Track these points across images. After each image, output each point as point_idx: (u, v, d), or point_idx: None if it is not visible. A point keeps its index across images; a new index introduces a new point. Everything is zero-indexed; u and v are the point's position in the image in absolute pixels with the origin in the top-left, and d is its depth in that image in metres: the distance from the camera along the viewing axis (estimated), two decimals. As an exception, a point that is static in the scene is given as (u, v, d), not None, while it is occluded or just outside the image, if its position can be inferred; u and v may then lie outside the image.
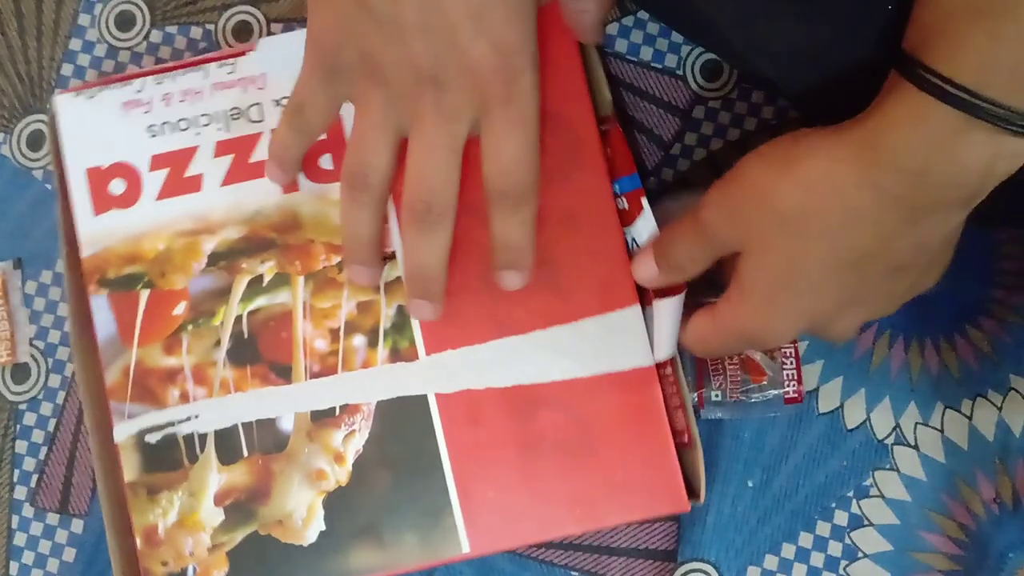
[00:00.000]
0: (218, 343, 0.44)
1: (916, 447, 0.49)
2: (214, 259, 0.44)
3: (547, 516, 0.42)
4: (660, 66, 0.52)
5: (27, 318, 0.54)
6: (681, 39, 0.52)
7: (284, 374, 0.43)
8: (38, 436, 0.54)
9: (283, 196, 0.44)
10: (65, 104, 0.45)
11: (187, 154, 0.44)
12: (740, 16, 0.38)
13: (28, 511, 0.53)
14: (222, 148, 0.44)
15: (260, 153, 0.44)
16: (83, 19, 0.56)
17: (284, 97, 0.44)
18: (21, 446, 0.54)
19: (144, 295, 0.44)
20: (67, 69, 0.56)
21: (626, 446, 0.42)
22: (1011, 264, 0.50)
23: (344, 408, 0.43)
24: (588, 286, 0.43)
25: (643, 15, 0.52)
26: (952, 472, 0.49)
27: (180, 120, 0.44)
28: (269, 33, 0.54)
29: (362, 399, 0.43)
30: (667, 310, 0.42)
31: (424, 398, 0.43)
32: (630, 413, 0.43)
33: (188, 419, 0.43)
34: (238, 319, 0.44)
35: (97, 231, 0.44)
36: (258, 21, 0.55)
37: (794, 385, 0.47)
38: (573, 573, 0.50)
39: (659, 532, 0.50)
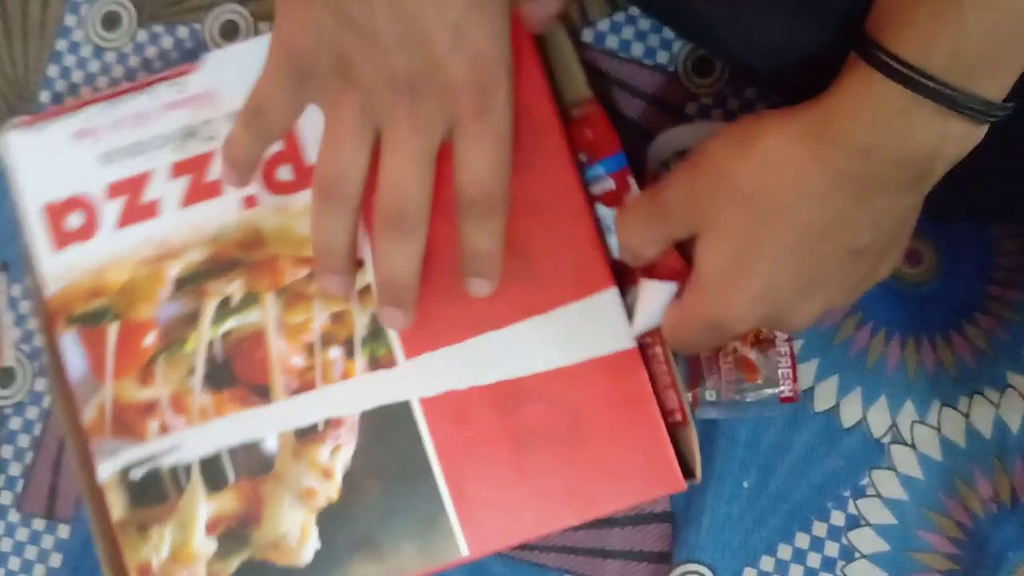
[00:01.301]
0: (192, 370, 0.43)
1: (913, 446, 0.49)
2: (180, 284, 0.43)
3: (544, 509, 0.42)
4: (652, 63, 0.52)
5: (12, 321, 0.54)
6: (673, 35, 0.52)
7: (263, 394, 0.43)
8: (24, 441, 0.53)
9: (244, 213, 0.43)
10: (16, 140, 0.44)
11: (142, 179, 0.43)
12: (730, 11, 0.38)
13: (14, 516, 0.53)
14: (177, 169, 0.44)
15: (216, 171, 0.43)
16: (69, 19, 0.55)
17: (237, 111, 0.43)
18: (7, 451, 0.53)
19: (113, 328, 0.43)
20: (53, 70, 0.55)
21: (616, 430, 0.42)
22: (1008, 260, 0.50)
23: (327, 423, 0.42)
24: (562, 273, 0.43)
25: (634, 11, 0.52)
26: (949, 471, 0.49)
27: (132, 145, 0.44)
28: (256, 32, 0.54)
29: (345, 412, 0.42)
30: (650, 292, 0.41)
31: (407, 404, 0.42)
32: (617, 397, 0.42)
33: (170, 450, 0.42)
34: (210, 343, 0.43)
35: (59, 268, 0.43)
36: (245, 20, 0.54)
37: (789, 384, 0.47)
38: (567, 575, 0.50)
39: (654, 534, 0.50)
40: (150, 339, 0.43)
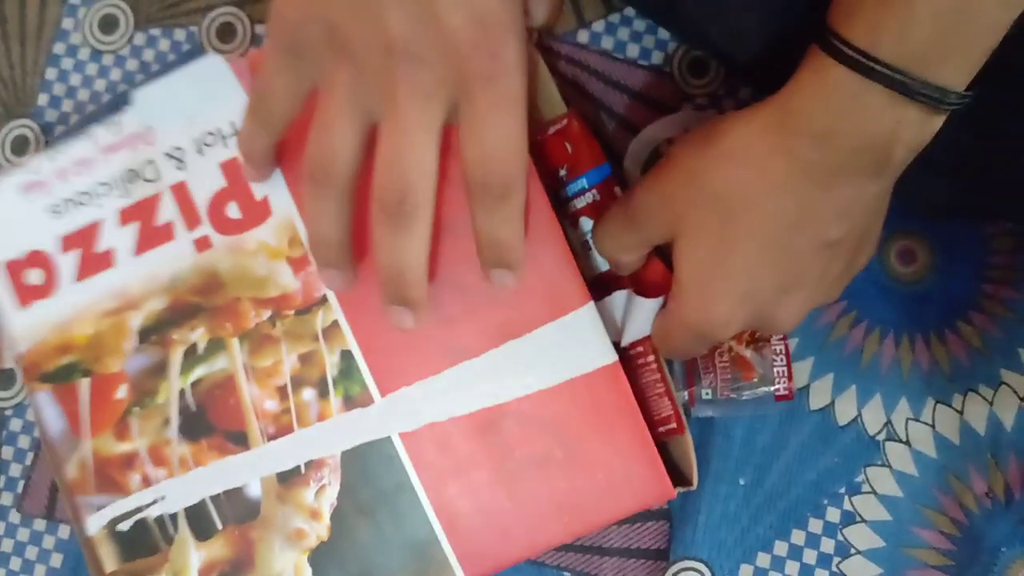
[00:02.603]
0: (167, 421, 0.42)
1: (908, 443, 0.49)
2: (144, 335, 0.42)
3: (536, 530, 0.41)
4: (647, 63, 0.52)
5: (12, 323, 0.54)
6: (668, 36, 0.52)
7: (240, 441, 0.42)
8: (24, 442, 0.53)
9: (198, 256, 0.42)
10: None
11: (93, 229, 0.43)
12: (717, 7, 0.38)
13: (15, 517, 0.53)
14: (126, 216, 0.43)
15: (164, 215, 0.42)
16: (66, 23, 0.55)
17: (177, 147, 0.42)
18: (7, 452, 0.53)
19: (84, 384, 0.42)
20: (51, 73, 0.55)
21: (603, 446, 0.41)
22: (1001, 259, 0.50)
23: (309, 464, 0.42)
24: (536, 294, 0.41)
25: (630, 12, 0.52)
26: (944, 467, 0.49)
27: (79, 194, 0.43)
28: (254, 35, 0.54)
29: (325, 452, 0.42)
30: (639, 302, 0.41)
31: (388, 439, 0.41)
32: (601, 412, 0.41)
33: (155, 502, 0.42)
34: (182, 393, 0.42)
35: (26, 326, 0.43)
36: (241, 22, 0.54)
37: (784, 382, 0.47)
38: (565, 574, 0.50)
39: (651, 531, 0.50)
40: (121, 392, 0.42)
